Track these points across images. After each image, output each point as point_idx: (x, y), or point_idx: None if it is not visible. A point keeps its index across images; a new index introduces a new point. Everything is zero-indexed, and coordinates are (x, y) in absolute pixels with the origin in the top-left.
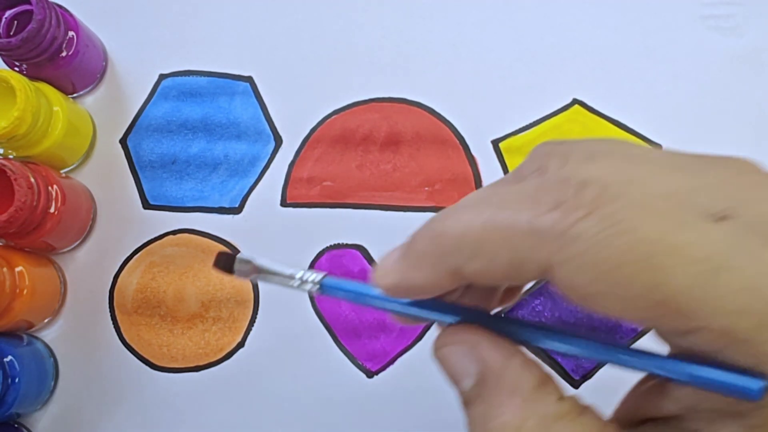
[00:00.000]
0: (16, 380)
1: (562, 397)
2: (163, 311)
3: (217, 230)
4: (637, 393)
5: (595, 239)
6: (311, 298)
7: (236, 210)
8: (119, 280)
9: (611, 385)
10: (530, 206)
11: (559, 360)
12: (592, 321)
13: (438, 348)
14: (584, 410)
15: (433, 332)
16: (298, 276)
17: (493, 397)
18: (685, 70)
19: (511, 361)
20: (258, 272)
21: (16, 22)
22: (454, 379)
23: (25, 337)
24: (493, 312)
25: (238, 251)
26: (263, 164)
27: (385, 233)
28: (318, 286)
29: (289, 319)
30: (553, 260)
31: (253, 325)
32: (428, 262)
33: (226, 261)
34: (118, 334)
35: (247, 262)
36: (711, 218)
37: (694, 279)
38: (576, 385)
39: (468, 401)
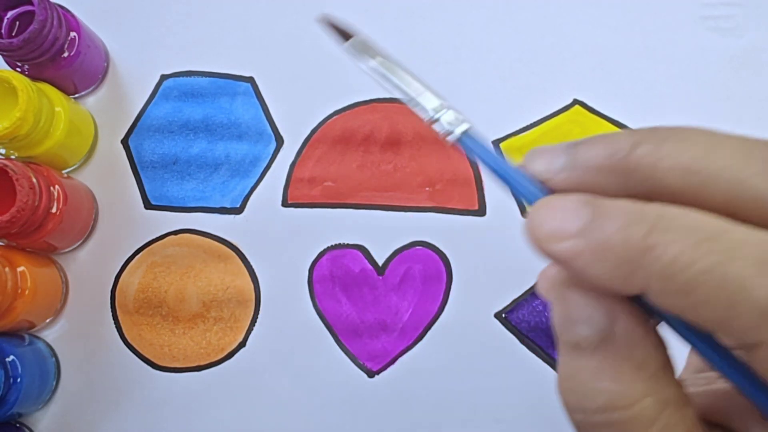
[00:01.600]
0: (18, 380)
1: (677, 383)
2: (165, 311)
3: (218, 230)
4: (721, 397)
5: None
6: (312, 298)
7: (237, 210)
8: (121, 280)
9: None
10: None
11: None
12: None
13: (558, 284)
14: (687, 401)
15: (435, 332)
16: (430, 107)
17: (615, 362)
18: (685, 71)
19: (647, 338)
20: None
21: (17, 22)
22: (569, 321)
23: (26, 336)
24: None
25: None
26: (264, 164)
27: (385, 233)
28: (457, 138)
29: (290, 319)
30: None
31: (254, 325)
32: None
33: (343, 33)
34: (119, 334)
35: (365, 48)
36: None
37: None
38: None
39: (577, 347)
